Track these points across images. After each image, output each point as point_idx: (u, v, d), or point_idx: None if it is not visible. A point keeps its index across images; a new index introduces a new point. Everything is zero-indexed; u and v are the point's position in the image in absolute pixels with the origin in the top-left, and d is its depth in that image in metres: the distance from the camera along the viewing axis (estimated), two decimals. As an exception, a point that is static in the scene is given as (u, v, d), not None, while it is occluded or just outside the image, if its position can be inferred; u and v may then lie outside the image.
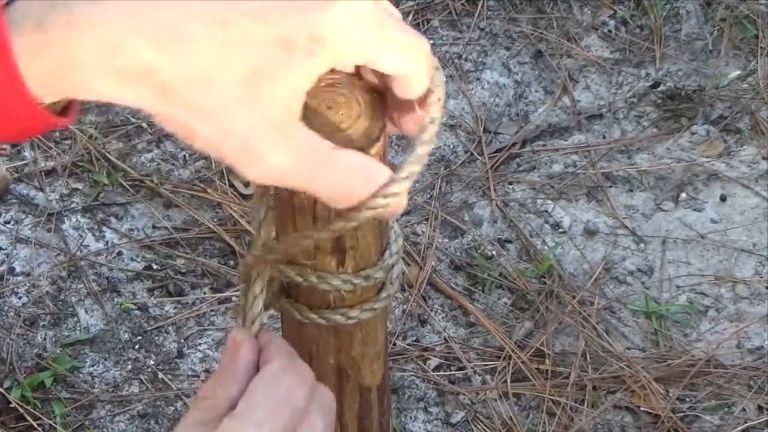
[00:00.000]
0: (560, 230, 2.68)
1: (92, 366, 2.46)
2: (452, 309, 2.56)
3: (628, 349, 2.49)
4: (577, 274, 2.61)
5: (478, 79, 2.94)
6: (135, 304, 2.54)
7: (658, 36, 3.00)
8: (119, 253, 2.62)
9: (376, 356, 1.10)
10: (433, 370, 2.46)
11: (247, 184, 2.73)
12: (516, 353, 2.46)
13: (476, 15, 3.03)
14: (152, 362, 2.47)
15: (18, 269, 2.59)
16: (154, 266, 2.60)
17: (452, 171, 2.76)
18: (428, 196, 2.72)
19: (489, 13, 3.04)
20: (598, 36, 3.02)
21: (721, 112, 2.87)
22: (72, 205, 2.69)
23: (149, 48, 0.72)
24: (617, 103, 2.90)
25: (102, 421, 2.39)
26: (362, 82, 0.91)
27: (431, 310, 2.55)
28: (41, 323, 2.51)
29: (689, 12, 3.05)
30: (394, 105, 0.90)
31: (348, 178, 0.82)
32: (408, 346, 2.49)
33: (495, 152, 2.81)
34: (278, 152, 0.78)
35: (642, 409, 2.40)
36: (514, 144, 2.82)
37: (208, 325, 2.53)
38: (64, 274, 2.58)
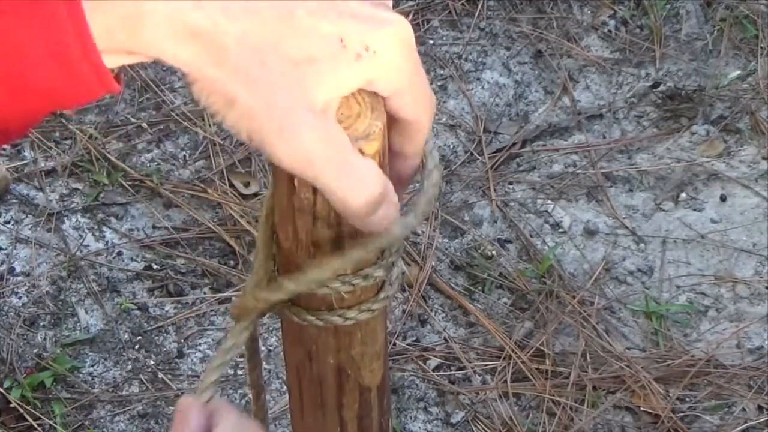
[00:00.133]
0: (560, 230, 2.68)
1: (92, 366, 2.46)
2: (452, 309, 2.56)
3: (628, 349, 2.49)
4: (577, 274, 2.61)
5: (478, 79, 2.94)
6: (135, 304, 2.54)
7: (658, 36, 3.00)
8: (119, 253, 2.62)
9: (376, 356, 1.10)
10: (433, 370, 2.46)
11: (247, 184, 2.73)
12: (516, 353, 2.46)
13: (476, 15, 3.03)
14: (152, 362, 2.47)
15: (18, 269, 2.59)
16: (154, 266, 2.60)
17: (452, 171, 2.76)
18: (428, 196, 2.72)
19: (489, 13, 3.04)
20: (598, 36, 3.03)
21: (721, 112, 2.87)
22: (72, 205, 2.69)
23: (219, 11, 0.75)
24: (617, 103, 2.90)
25: (102, 421, 2.39)
26: None
27: (431, 310, 2.55)
28: (41, 323, 2.51)
29: (689, 12, 3.05)
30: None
31: (368, 188, 0.85)
32: (408, 346, 2.49)
33: (495, 152, 2.81)
34: (312, 137, 0.80)
35: (642, 409, 2.40)
36: (514, 144, 2.82)
37: (208, 325, 2.53)
38: (64, 274, 2.58)
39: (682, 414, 2.39)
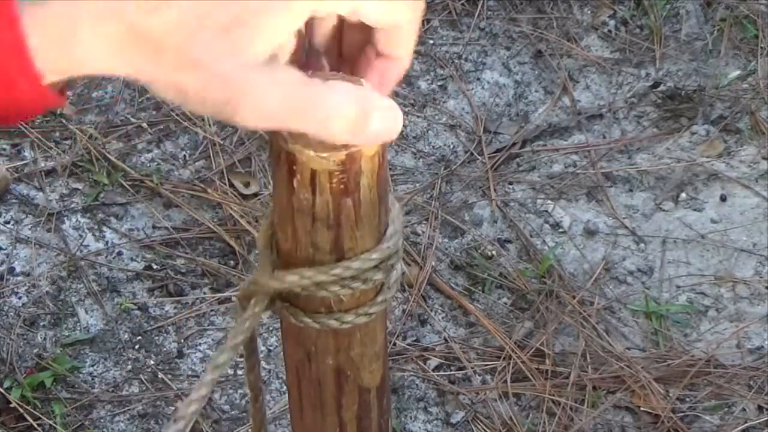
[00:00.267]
0: (560, 230, 2.68)
1: (92, 366, 2.46)
2: (452, 309, 2.56)
3: (628, 349, 2.49)
4: (577, 274, 2.61)
5: (478, 79, 2.94)
6: (135, 304, 2.54)
7: (658, 36, 3.00)
8: (119, 253, 2.62)
9: (376, 357, 1.10)
10: (433, 370, 2.46)
11: (247, 185, 2.73)
12: (516, 353, 2.46)
13: (476, 15, 3.03)
14: (152, 362, 2.47)
15: (18, 269, 2.59)
16: (154, 266, 2.60)
17: (452, 171, 2.76)
18: (428, 196, 2.72)
19: (489, 13, 3.04)
20: (598, 36, 3.02)
21: (721, 112, 2.87)
22: (72, 205, 2.69)
23: (135, 10, 0.75)
24: (617, 103, 2.90)
25: (102, 421, 2.39)
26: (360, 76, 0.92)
27: (431, 310, 2.55)
28: (41, 323, 2.51)
29: (689, 12, 3.05)
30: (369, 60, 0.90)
31: (341, 111, 0.83)
32: (408, 346, 2.49)
33: (495, 152, 2.81)
34: (266, 91, 0.79)
35: (642, 409, 2.40)
36: (514, 144, 2.82)
37: (208, 325, 2.53)
38: (64, 274, 2.58)
39: (682, 414, 2.39)
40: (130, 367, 2.46)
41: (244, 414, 2.40)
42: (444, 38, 3.00)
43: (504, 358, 2.46)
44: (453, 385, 2.44)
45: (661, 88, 2.92)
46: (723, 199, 2.73)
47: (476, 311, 2.53)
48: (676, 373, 2.44)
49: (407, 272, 2.56)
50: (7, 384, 2.41)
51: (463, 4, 3.05)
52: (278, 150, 0.95)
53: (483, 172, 2.76)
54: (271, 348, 2.49)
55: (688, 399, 2.43)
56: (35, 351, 2.47)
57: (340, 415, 1.13)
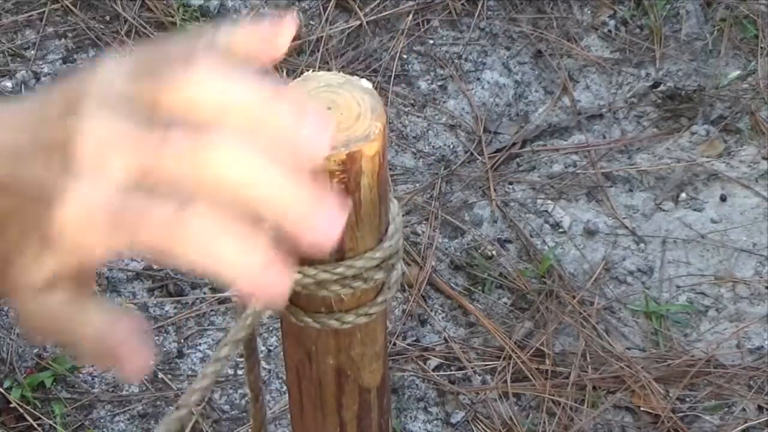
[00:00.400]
0: (560, 230, 2.68)
1: (92, 366, 2.46)
2: (452, 309, 2.56)
3: (628, 349, 2.49)
4: (577, 274, 2.61)
5: (478, 79, 2.94)
6: (135, 304, 2.54)
7: (658, 36, 3.00)
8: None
9: (376, 356, 1.10)
10: (433, 370, 2.46)
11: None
12: (516, 353, 2.46)
13: (476, 15, 3.03)
14: (152, 362, 2.47)
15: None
16: (154, 266, 2.60)
17: (452, 171, 2.76)
18: (428, 196, 2.72)
19: (489, 13, 3.04)
20: (598, 36, 3.02)
21: (721, 112, 2.87)
22: (72, 205, 2.69)
23: None
24: (617, 103, 2.90)
25: (102, 421, 2.39)
26: None
27: (431, 310, 2.55)
28: (41, 323, 2.51)
29: (689, 12, 3.05)
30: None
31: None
32: (408, 346, 2.49)
33: (495, 152, 2.81)
34: (31, 314, 0.75)
35: (642, 409, 2.40)
36: (514, 144, 2.82)
37: (208, 325, 2.53)
38: (64, 274, 2.58)
39: (682, 414, 2.39)
40: (130, 367, 2.46)
41: (244, 414, 2.40)
42: (444, 38, 3.00)
43: (504, 358, 2.46)
44: (453, 385, 2.44)
45: (661, 88, 2.92)
46: (723, 199, 2.73)
47: (476, 311, 2.53)
48: (676, 373, 2.44)
49: (407, 272, 2.56)
50: (7, 384, 2.40)
51: (463, 4, 3.05)
52: (279, 150, 0.95)
53: (483, 172, 2.76)
54: (271, 348, 2.49)
55: (688, 399, 2.43)
56: (35, 351, 2.46)
57: (341, 414, 1.13)
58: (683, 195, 2.75)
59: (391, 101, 2.85)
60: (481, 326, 2.52)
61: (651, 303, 2.54)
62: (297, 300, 1.03)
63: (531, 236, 2.66)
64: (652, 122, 2.88)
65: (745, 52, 2.98)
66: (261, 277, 0.60)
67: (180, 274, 2.59)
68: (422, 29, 3.00)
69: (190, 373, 2.45)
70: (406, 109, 2.87)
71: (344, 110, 0.93)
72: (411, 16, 3.01)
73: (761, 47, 2.96)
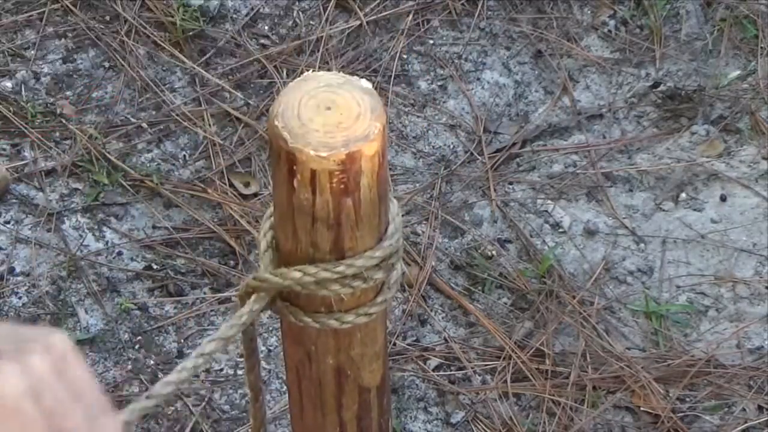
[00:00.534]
0: (560, 230, 2.68)
1: (92, 366, 2.46)
2: (452, 309, 2.56)
3: (628, 349, 2.49)
4: (577, 274, 2.61)
5: (478, 79, 2.94)
6: (135, 304, 2.54)
7: (658, 36, 3.00)
8: (119, 253, 2.62)
9: (376, 356, 1.10)
10: (433, 370, 2.46)
11: (247, 185, 2.73)
12: (516, 353, 2.46)
13: (476, 15, 3.03)
14: (152, 362, 2.47)
15: (18, 269, 2.59)
16: (154, 266, 2.60)
17: (452, 171, 2.76)
18: (428, 196, 2.72)
19: (489, 13, 3.04)
20: (598, 36, 3.02)
21: (721, 112, 2.87)
22: (72, 205, 2.69)
23: None
24: (617, 103, 2.90)
25: (102, 421, 2.39)
26: None
27: (431, 310, 2.55)
28: (41, 323, 2.51)
29: (689, 12, 3.04)
30: None
31: None
32: (408, 346, 2.49)
33: (495, 152, 2.81)
34: None
35: (642, 409, 2.40)
36: (514, 144, 2.82)
37: (208, 325, 2.53)
38: (64, 274, 2.58)
39: (682, 414, 2.39)
40: (130, 367, 2.46)
41: (244, 414, 2.40)
42: (444, 38, 3.00)
43: (504, 358, 2.46)
44: (453, 385, 2.44)
45: (661, 88, 2.92)
46: (723, 199, 2.73)
47: (476, 311, 2.53)
48: (676, 373, 2.44)
49: (407, 272, 2.56)
50: (7, 384, 2.40)
51: (463, 4, 3.05)
52: (278, 150, 0.95)
53: (483, 172, 2.76)
54: (271, 348, 2.49)
55: (688, 399, 2.43)
56: (35, 351, 2.46)
57: (341, 414, 1.13)
58: (683, 195, 2.75)
59: (391, 101, 2.85)
60: (481, 326, 2.52)
61: (651, 303, 2.54)
62: (297, 300, 1.03)
63: (531, 236, 2.66)
64: (652, 122, 2.88)
65: (745, 52, 2.98)
66: None
67: (180, 274, 2.59)
68: (422, 29, 3.00)
69: (190, 373, 2.45)
70: (406, 109, 2.87)
71: (344, 110, 0.93)
72: (411, 16, 3.01)
73: (761, 47, 2.96)
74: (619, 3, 3.07)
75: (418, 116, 2.87)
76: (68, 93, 2.86)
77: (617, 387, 2.42)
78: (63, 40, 2.95)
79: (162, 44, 2.92)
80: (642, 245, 2.66)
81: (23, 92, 2.85)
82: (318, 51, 2.93)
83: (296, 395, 1.14)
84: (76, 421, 0.70)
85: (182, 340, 2.50)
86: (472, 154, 2.80)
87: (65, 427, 0.70)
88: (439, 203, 2.70)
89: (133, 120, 2.82)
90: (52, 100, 2.85)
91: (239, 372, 2.44)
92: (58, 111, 2.83)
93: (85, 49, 2.94)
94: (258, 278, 1.01)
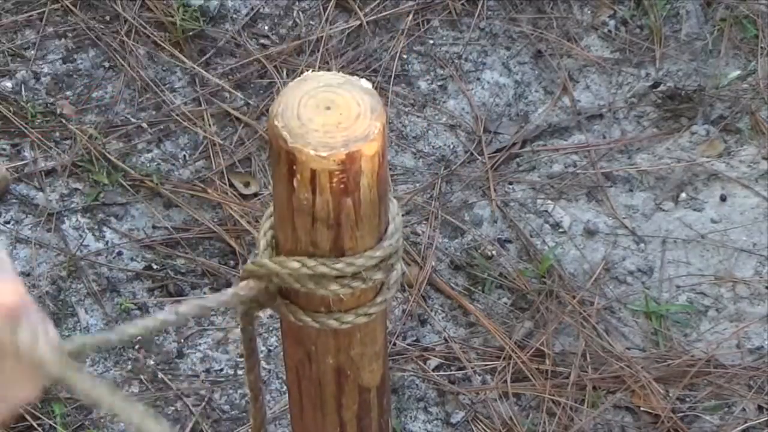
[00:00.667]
0: (560, 230, 2.68)
1: (92, 366, 2.46)
2: (452, 309, 2.56)
3: (628, 349, 2.49)
4: (577, 274, 2.61)
5: (478, 79, 2.94)
6: (135, 304, 2.54)
7: (658, 36, 3.00)
8: (119, 253, 2.62)
9: (376, 356, 1.10)
10: (433, 370, 2.46)
11: (247, 184, 2.73)
12: (516, 353, 2.46)
13: (476, 15, 3.03)
14: (152, 362, 2.47)
15: (18, 269, 2.59)
16: (154, 266, 2.60)
17: (452, 171, 2.76)
18: (428, 196, 2.72)
19: (489, 13, 3.04)
20: (598, 36, 3.02)
21: (721, 112, 2.87)
22: (72, 205, 2.69)
23: None
24: (617, 103, 2.90)
25: (102, 421, 2.39)
26: None
27: (431, 310, 2.55)
28: (41, 323, 2.51)
29: (689, 12, 3.04)
30: None
31: None
32: (408, 346, 2.49)
33: (495, 152, 2.81)
34: None
35: (642, 409, 2.40)
36: (514, 144, 2.82)
37: (208, 325, 2.53)
38: (64, 274, 2.58)
39: (682, 414, 2.39)
40: (130, 367, 2.46)
41: (244, 414, 2.40)
42: (444, 38, 3.00)
43: (504, 358, 2.46)
44: (453, 385, 2.44)
45: (661, 88, 2.92)
46: (723, 199, 2.73)
47: (476, 311, 2.53)
48: (676, 373, 2.44)
49: (407, 272, 2.56)
50: (7, 384, 2.40)
51: (463, 4, 3.05)
52: (278, 150, 0.95)
53: (483, 172, 2.76)
54: (271, 348, 2.49)
55: (688, 399, 2.43)
56: (35, 351, 2.46)
57: (340, 414, 1.13)
58: (683, 195, 2.75)
59: (391, 101, 2.85)
60: (481, 326, 2.52)
61: (651, 303, 2.54)
62: (296, 298, 1.03)
63: (531, 236, 2.66)
64: (652, 122, 2.88)
65: (745, 52, 2.98)
66: None
67: (180, 274, 2.59)
68: (422, 29, 3.00)
69: (190, 373, 2.46)
70: (406, 109, 2.87)
71: (344, 110, 0.93)
72: (411, 16, 3.01)
73: (761, 47, 2.96)
74: (619, 3, 3.07)
75: (418, 116, 2.87)
76: (68, 93, 2.86)
77: (617, 387, 2.42)
78: (63, 40, 2.95)
79: (162, 44, 2.92)
80: (642, 245, 2.66)
81: (23, 92, 2.85)
82: (318, 51, 2.93)
83: (296, 395, 1.14)
84: None
85: (182, 340, 2.50)
86: (472, 154, 2.80)
87: None
88: (439, 203, 2.70)
89: (133, 120, 2.82)
90: (52, 100, 2.85)
91: (239, 372, 2.44)
92: (58, 111, 2.83)
93: (85, 49, 2.94)
94: (256, 263, 1.01)
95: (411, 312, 2.53)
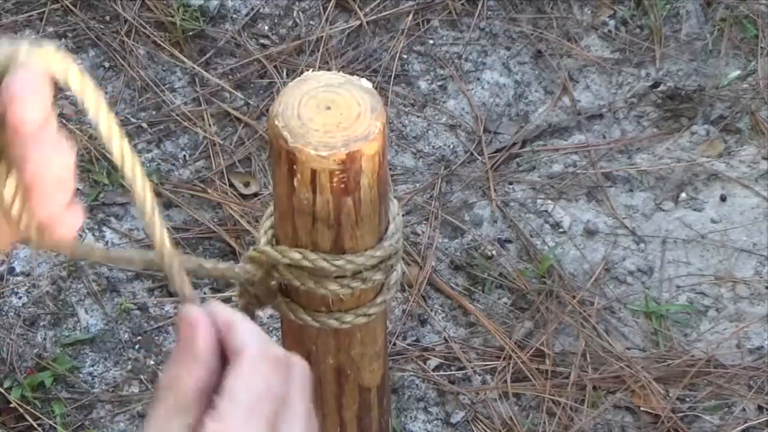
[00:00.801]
0: (560, 230, 2.68)
1: (92, 366, 2.46)
2: (452, 309, 2.56)
3: (628, 349, 2.49)
4: (577, 274, 2.61)
5: (478, 79, 2.94)
6: (135, 304, 2.54)
7: (658, 36, 3.00)
8: (119, 253, 2.62)
9: (376, 356, 1.10)
10: (433, 370, 2.46)
11: (247, 184, 2.73)
12: (516, 353, 2.46)
13: (476, 15, 3.03)
14: (152, 362, 2.47)
15: (18, 269, 2.59)
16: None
17: (452, 171, 2.76)
18: (428, 196, 2.72)
19: (489, 13, 3.04)
20: (598, 36, 3.02)
21: (721, 112, 2.87)
22: (72, 205, 2.68)
23: None
24: (617, 103, 2.90)
25: (102, 421, 2.39)
26: None
27: (431, 310, 2.55)
28: (41, 323, 2.51)
29: (689, 12, 3.04)
30: None
31: None
32: (408, 346, 2.49)
33: (495, 152, 2.81)
34: None
35: (642, 409, 2.40)
36: (514, 144, 2.82)
37: (208, 325, 2.53)
38: (64, 274, 2.58)
39: (682, 414, 2.39)
40: (130, 367, 2.46)
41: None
42: (444, 38, 3.00)
43: (504, 358, 2.46)
44: (453, 385, 2.44)
45: (661, 88, 2.92)
46: (723, 199, 2.73)
47: (476, 311, 2.53)
48: (676, 373, 2.44)
49: (407, 272, 2.56)
50: (7, 384, 2.40)
51: (463, 4, 3.05)
52: (278, 149, 0.95)
53: (483, 172, 2.76)
54: (271, 348, 2.49)
55: (688, 399, 2.43)
56: (35, 351, 2.46)
57: (341, 414, 1.13)
58: (683, 195, 2.75)
59: (391, 101, 2.85)
60: (481, 326, 2.52)
61: (651, 303, 2.54)
62: (297, 297, 1.03)
63: (531, 236, 2.66)
64: (652, 122, 2.88)
65: (745, 52, 2.98)
66: None
67: (180, 274, 2.59)
68: (422, 29, 3.00)
69: (190, 373, 2.45)
70: (406, 109, 2.87)
71: (344, 110, 0.93)
72: (411, 16, 3.01)
73: (761, 47, 2.96)
74: (619, 3, 3.07)
75: (418, 116, 2.87)
76: (68, 93, 2.86)
77: (617, 387, 2.42)
78: (63, 40, 2.95)
79: (162, 44, 2.92)
80: (642, 245, 2.66)
81: (23, 92, 2.85)
82: (318, 51, 2.93)
83: (296, 395, 1.14)
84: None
85: (182, 340, 2.50)
86: (472, 154, 2.80)
87: None
88: (439, 203, 2.70)
89: (133, 120, 2.82)
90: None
91: (239, 372, 2.43)
92: (58, 111, 2.83)
93: (85, 49, 2.94)
94: (258, 249, 1.01)
95: (411, 312, 2.53)
